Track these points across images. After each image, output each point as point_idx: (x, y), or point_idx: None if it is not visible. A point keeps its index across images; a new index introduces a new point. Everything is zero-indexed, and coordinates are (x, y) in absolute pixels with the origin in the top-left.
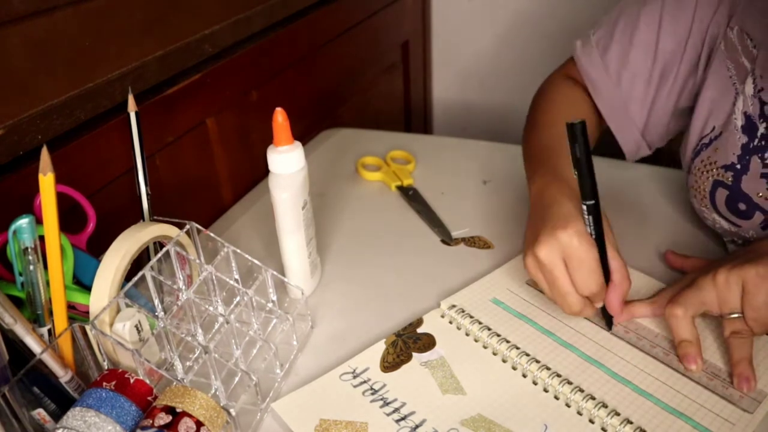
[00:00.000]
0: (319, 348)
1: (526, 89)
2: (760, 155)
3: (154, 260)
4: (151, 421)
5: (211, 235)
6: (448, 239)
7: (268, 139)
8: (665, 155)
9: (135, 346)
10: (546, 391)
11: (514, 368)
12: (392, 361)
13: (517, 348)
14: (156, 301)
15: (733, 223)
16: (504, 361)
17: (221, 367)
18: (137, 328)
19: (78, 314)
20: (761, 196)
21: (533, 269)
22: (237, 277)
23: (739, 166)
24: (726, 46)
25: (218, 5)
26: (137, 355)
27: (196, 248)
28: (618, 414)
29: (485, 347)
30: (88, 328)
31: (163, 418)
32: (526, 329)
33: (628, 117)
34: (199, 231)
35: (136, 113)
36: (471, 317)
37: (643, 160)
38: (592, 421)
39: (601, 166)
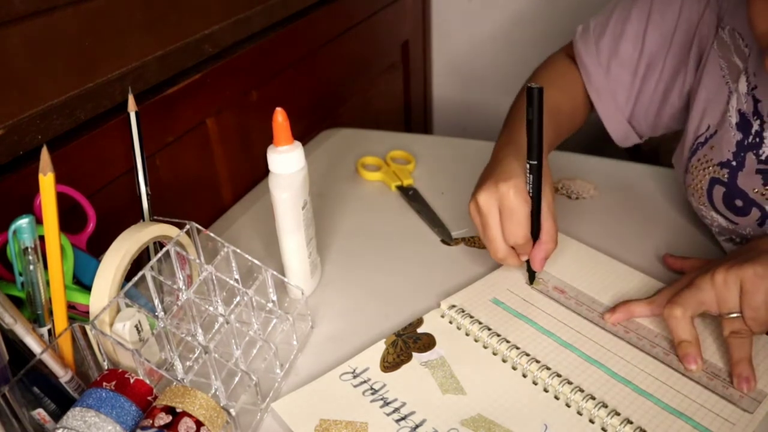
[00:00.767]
0: (319, 348)
1: None
2: (754, 152)
3: (154, 260)
4: (151, 421)
5: (211, 235)
6: (448, 239)
7: (268, 139)
8: (665, 155)
9: (135, 346)
10: (546, 391)
11: (514, 368)
12: (392, 361)
13: (517, 348)
14: (156, 301)
15: (731, 220)
16: (504, 361)
17: (221, 367)
18: (137, 328)
19: (78, 314)
20: (757, 192)
21: (473, 213)
22: (237, 277)
23: (734, 163)
24: (719, 45)
25: (218, 5)
26: (137, 355)
27: (196, 248)
28: (618, 414)
29: (485, 347)
30: (88, 328)
31: (163, 418)
32: (526, 329)
33: (615, 104)
34: (199, 231)
35: (136, 113)
36: (471, 317)
37: (643, 161)
38: (592, 421)
39: (602, 165)
